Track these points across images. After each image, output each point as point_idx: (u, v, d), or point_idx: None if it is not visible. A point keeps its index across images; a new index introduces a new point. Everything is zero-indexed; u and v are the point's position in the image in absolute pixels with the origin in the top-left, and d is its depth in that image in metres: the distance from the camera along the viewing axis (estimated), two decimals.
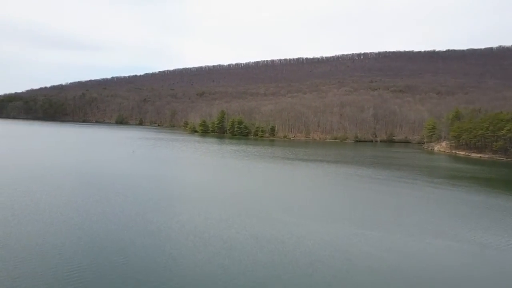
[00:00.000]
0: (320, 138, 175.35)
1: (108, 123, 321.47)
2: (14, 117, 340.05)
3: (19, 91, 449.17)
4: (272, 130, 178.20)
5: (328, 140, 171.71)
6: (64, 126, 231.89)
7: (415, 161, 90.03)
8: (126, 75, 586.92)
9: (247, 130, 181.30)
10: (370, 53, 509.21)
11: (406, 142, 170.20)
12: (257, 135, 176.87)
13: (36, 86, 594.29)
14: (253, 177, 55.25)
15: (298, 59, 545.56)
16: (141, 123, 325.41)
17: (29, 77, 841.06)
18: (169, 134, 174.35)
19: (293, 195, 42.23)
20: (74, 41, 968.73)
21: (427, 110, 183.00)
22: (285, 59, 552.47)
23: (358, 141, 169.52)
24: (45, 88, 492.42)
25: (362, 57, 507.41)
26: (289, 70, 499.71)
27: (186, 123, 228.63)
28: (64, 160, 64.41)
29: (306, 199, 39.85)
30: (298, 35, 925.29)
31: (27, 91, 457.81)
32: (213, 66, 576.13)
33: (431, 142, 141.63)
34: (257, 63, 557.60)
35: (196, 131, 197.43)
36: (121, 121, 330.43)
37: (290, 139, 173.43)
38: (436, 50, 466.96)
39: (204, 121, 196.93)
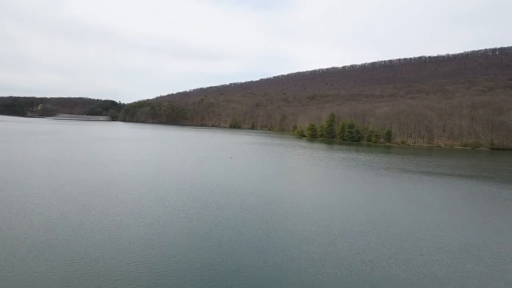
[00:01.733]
0: (446, 145, 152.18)
1: (223, 127, 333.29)
2: (142, 121, 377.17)
3: (150, 97, 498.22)
4: (388, 135, 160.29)
5: (456, 147, 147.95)
6: (182, 129, 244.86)
7: None
8: (243, 81, 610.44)
9: (359, 135, 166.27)
10: (509, 47, 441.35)
11: None
12: (370, 141, 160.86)
13: (164, 93, 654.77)
14: (361, 196, 44.27)
15: (419, 58, 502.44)
16: (253, 127, 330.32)
17: (160, 85, 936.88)
18: (276, 139, 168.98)
19: (414, 228, 30.69)
20: (200, 51, 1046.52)
21: None
22: (405, 59, 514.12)
23: (494, 148, 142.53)
24: (172, 94, 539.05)
25: (497, 53, 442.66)
26: (409, 70, 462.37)
27: (294, 127, 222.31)
28: (161, 164, 61.64)
29: (432, 238, 28.09)
30: (419, 33, 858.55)
31: (156, 98, 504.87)
32: (327, 69, 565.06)
33: None
34: (373, 64, 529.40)
35: (304, 136, 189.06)
36: (235, 125, 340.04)
37: (409, 145, 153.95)
38: None
39: (313, 125, 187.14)
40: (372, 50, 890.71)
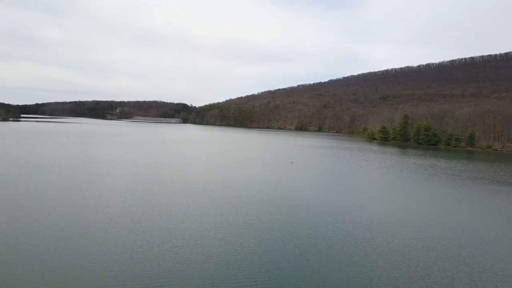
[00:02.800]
0: None
1: (289, 130, 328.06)
2: (211, 124, 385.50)
3: (220, 100, 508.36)
4: (471, 139, 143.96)
5: None
6: (247, 132, 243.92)
7: None
8: (311, 82, 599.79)
9: (436, 138, 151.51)
10: None
11: None
12: (449, 145, 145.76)
13: (234, 96, 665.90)
14: (442, 214, 36.47)
15: (506, 54, 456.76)
16: (319, 129, 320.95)
17: (230, 88, 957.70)
18: (344, 142, 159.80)
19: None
20: (269, 54, 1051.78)
21: None
22: (489, 55, 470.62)
23: None
24: (240, 97, 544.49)
25: None
26: (494, 67, 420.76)
27: (364, 129, 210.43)
28: (216, 169, 58.30)
29: None
30: (504, 27, 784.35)
31: (226, 101, 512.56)
32: (400, 69, 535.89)
33: None
34: (452, 62, 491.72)
35: (374, 139, 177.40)
36: (301, 128, 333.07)
37: (496, 150, 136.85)
38: None
39: (384, 127, 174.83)
40: (450, 47, 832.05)
